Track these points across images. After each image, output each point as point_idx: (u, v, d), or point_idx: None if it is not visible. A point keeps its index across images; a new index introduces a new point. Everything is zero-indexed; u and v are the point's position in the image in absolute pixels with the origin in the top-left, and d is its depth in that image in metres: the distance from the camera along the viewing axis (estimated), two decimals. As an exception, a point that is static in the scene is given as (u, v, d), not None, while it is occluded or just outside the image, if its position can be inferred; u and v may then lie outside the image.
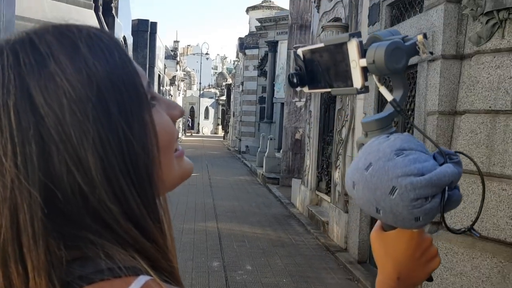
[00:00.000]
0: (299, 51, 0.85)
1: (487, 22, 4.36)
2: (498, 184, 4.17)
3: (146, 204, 0.53)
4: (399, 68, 0.75)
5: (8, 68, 0.50)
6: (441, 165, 0.73)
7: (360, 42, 0.77)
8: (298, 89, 0.90)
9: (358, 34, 0.78)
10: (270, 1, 28.73)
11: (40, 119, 0.49)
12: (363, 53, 0.76)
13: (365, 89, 0.79)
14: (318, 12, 10.37)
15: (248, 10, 30.13)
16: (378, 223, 0.82)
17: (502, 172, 4.16)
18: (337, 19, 8.58)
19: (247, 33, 29.88)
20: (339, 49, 0.79)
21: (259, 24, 25.05)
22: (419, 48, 0.77)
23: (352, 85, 0.78)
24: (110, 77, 0.52)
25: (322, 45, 0.81)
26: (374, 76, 0.79)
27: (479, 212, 0.91)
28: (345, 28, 7.89)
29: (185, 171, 0.64)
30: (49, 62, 0.50)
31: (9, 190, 0.47)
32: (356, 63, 0.76)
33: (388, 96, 0.80)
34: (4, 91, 0.49)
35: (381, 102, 6.71)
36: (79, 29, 0.55)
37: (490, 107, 4.32)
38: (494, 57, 4.33)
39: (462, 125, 4.63)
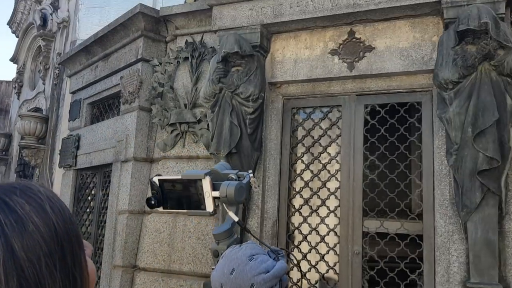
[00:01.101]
0: (155, 179, 1.09)
1: (171, 132, 4.96)
2: (177, 280, 4.50)
3: None
4: (242, 200, 1.09)
5: None
6: (273, 259, 1.06)
7: (211, 179, 1.06)
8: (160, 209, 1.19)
9: (209, 173, 1.08)
10: (-34, 78, 25.34)
11: (21, 272, 0.57)
12: (213, 187, 1.06)
13: (214, 212, 1.12)
14: (18, 98, 9.70)
15: None
16: None
17: (180, 269, 4.53)
18: (37, 109, 8.18)
19: None
20: (194, 182, 1.06)
21: None
22: (251, 184, 1.14)
23: (205, 209, 1.09)
24: (67, 232, 0.65)
25: (179, 177, 1.07)
26: (223, 203, 1.08)
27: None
28: (45, 120, 7.58)
29: None
30: (27, 223, 0.60)
31: None
32: (209, 194, 1.06)
33: (235, 218, 1.11)
34: None
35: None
36: (40, 191, 0.66)
37: (172, 207, 4.76)
38: (177, 163, 4.90)
39: (148, 224, 4.91)
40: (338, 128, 4.30)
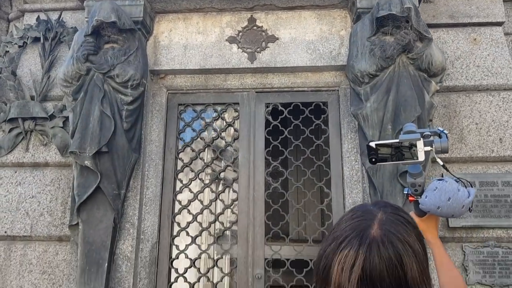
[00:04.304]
0: (372, 144, 1.44)
1: (10, 131, 3.68)
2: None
3: None
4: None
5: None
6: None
7: (422, 139, 1.43)
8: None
9: (421, 136, 1.44)
10: None
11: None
12: (425, 144, 1.43)
13: (424, 161, 1.42)
14: None
15: None
16: (412, 214, 1.51)
17: (14, 317, 3.21)
18: None
19: None
20: (410, 144, 1.42)
21: None
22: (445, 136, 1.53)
23: (417, 159, 1.41)
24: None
25: (396, 140, 1.42)
26: (436, 154, 1.45)
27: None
28: None
29: None
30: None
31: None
32: (421, 149, 1.41)
33: (440, 162, 1.51)
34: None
35: None
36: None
37: (6, 232, 3.45)
38: (16, 172, 3.62)
39: (-33, 258, 3.47)
40: (235, 130, 3.63)
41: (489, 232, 3.24)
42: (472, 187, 1.54)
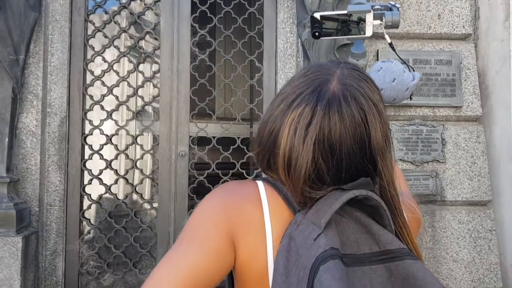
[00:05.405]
0: (317, 15, 1.30)
1: None
2: None
3: None
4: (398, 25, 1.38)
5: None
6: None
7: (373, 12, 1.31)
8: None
9: (372, 8, 1.32)
10: None
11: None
12: (375, 17, 1.32)
13: (370, 37, 1.35)
14: None
15: None
16: None
17: None
18: None
19: None
20: (358, 18, 1.31)
21: None
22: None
23: (364, 34, 1.32)
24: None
25: (344, 12, 1.30)
26: (385, 29, 1.35)
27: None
28: None
29: None
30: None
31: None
32: (371, 22, 1.30)
33: (388, 39, 1.44)
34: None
35: None
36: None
37: None
38: None
39: None
40: (156, -10, 3.13)
41: (416, 111, 3.24)
42: (415, 71, 1.47)
